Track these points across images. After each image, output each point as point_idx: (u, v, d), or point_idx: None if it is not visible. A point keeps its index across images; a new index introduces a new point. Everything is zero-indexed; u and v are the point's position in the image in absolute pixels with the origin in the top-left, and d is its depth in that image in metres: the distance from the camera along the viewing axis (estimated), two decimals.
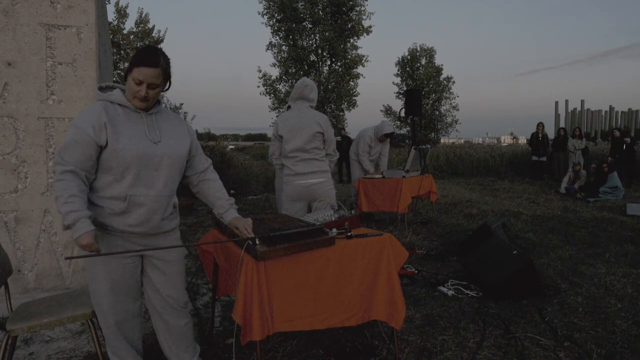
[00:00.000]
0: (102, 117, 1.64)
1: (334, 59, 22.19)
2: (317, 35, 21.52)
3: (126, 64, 16.57)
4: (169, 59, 1.73)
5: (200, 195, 1.98)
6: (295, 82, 3.43)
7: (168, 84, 1.76)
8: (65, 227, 1.54)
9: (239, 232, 1.83)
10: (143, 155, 1.68)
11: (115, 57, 15.20)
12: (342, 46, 21.53)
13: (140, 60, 1.64)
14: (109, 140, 1.63)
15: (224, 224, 1.97)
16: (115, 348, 1.82)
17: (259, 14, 22.05)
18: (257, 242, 1.74)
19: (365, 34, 21.72)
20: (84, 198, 1.59)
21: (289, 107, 3.26)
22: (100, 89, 1.75)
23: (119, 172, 1.67)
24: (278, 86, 22.27)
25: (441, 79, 27.28)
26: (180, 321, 1.93)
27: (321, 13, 21.19)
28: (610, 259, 3.97)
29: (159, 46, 1.78)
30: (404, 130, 27.00)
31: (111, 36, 14.30)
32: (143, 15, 17.46)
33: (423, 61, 27.86)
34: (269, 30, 24.59)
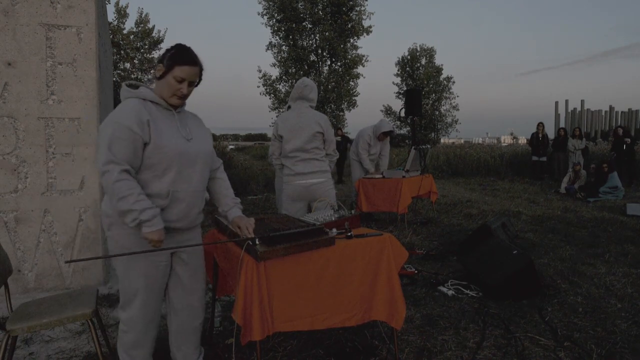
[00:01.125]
0: (144, 113, 1.66)
1: (334, 59, 22.19)
2: (317, 35, 21.52)
3: (126, 64, 16.57)
4: None
5: (209, 192, 2.01)
6: (295, 82, 3.43)
7: (199, 79, 1.81)
8: (138, 223, 1.59)
9: (240, 231, 1.84)
10: (183, 152, 1.72)
11: (115, 57, 15.19)
12: (342, 46, 21.52)
13: (182, 59, 1.69)
14: (152, 137, 1.65)
15: (224, 224, 1.97)
16: (130, 347, 1.82)
17: (258, 14, 22.05)
18: (257, 242, 1.74)
19: (365, 34, 21.71)
20: (146, 196, 1.65)
21: (289, 107, 3.26)
22: (128, 86, 1.76)
23: (161, 169, 1.69)
24: (278, 86, 22.26)
25: (441, 79, 27.29)
26: (196, 321, 1.97)
27: (321, 13, 21.18)
28: (610, 259, 3.97)
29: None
30: (404, 130, 27.01)
31: (111, 36, 14.30)
32: (143, 15, 17.46)
33: (423, 61, 27.87)
34: (268, 30, 24.61)
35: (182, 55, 1.70)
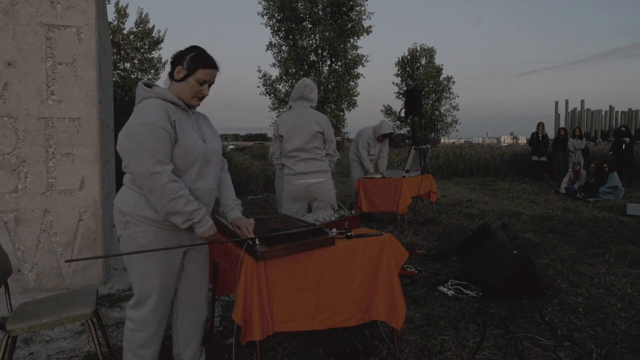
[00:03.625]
0: (170, 113, 1.67)
1: (334, 59, 22.20)
2: (317, 35, 21.52)
3: (126, 64, 16.57)
4: None
5: None
6: (296, 82, 3.44)
7: None
8: (191, 224, 1.67)
9: (239, 231, 1.85)
10: (203, 152, 1.75)
11: (115, 57, 15.19)
12: (342, 46, 21.53)
13: (206, 62, 1.74)
14: (178, 136, 1.68)
15: (224, 224, 1.97)
16: (139, 346, 1.82)
17: (258, 14, 22.06)
18: (257, 242, 1.74)
19: (365, 34, 21.73)
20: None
21: (290, 108, 3.27)
22: (145, 84, 1.77)
23: (183, 168, 1.71)
24: (278, 86, 22.28)
25: (441, 79, 27.30)
26: (201, 317, 2.00)
27: (321, 13, 21.19)
28: (610, 259, 3.97)
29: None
30: (404, 130, 27.01)
31: (111, 36, 14.30)
32: (143, 15, 17.45)
33: (423, 61, 27.88)
34: (268, 30, 24.61)
35: (206, 59, 1.75)
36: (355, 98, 22.44)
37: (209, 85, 1.80)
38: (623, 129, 10.34)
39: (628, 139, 9.93)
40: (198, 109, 1.92)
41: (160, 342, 1.89)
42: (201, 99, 1.80)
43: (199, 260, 1.95)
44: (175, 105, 1.75)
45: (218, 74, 1.81)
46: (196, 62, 1.72)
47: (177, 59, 1.76)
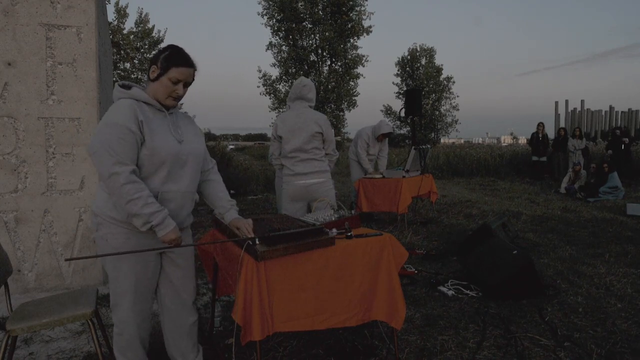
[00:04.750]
0: (138, 114, 1.65)
1: (334, 59, 22.20)
2: (317, 35, 21.53)
3: (126, 64, 16.57)
4: None
5: (203, 194, 2.00)
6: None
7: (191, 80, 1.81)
8: (150, 227, 1.61)
9: (239, 232, 1.84)
10: (174, 153, 1.71)
11: (115, 57, 15.19)
12: (342, 46, 21.54)
13: (178, 61, 1.69)
14: (145, 138, 1.65)
15: (224, 224, 1.97)
16: (125, 348, 1.83)
17: (258, 14, 22.06)
18: (257, 242, 1.74)
19: (365, 34, 21.73)
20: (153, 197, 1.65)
21: (289, 108, 3.26)
22: (121, 86, 1.75)
23: (152, 170, 1.68)
24: (278, 86, 22.28)
25: (441, 79, 27.33)
26: (189, 319, 1.96)
27: (321, 13, 21.19)
28: (610, 259, 3.97)
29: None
30: (404, 130, 27.04)
31: (111, 36, 14.30)
32: (143, 15, 17.47)
33: (423, 61, 27.91)
34: (268, 30, 24.61)
35: (179, 57, 1.69)
36: (355, 98, 22.45)
37: (185, 85, 1.74)
38: (618, 131, 10.32)
39: (627, 139, 9.93)
40: (189, 108, 1.90)
41: (145, 343, 1.87)
42: (176, 98, 1.74)
43: (180, 264, 1.89)
44: (149, 106, 1.72)
45: (200, 72, 1.77)
46: (169, 61, 1.68)
47: (153, 58, 1.73)
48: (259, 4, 21.66)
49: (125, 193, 1.56)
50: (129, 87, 1.75)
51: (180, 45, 1.77)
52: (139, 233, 1.70)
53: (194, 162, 1.81)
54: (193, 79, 1.78)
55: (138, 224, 1.61)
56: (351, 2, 21.09)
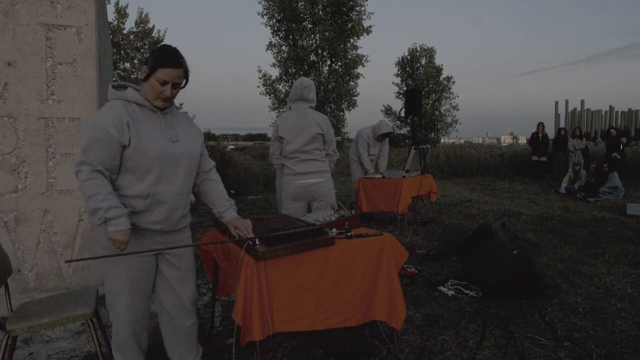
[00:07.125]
0: (124, 116, 1.64)
1: (334, 59, 22.19)
2: (317, 35, 21.52)
3: (126, 64, 16.56)
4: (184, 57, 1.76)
5: (202, 194, 2.00)
6: None
7: (185, 81, 1.78)
8: (102, 221, 1.57)
9: (236, 231, 1.84)
10: (165, 154, 1.70)
11: (115, 57, 15.19)
12: (342, 46, 21.52)
13: (164, 61, 1.66)
14: (132, 139, 1.64)
15: (224, 224, 1.97)
16: (123, 347, 1.83)
17: (258, 14, 22.06)
18: (257, 242, 1.74)
19: (365, 34, 21.71)
20: (117, 196, 1.63)
21: (289, 109, 3.26)
22: (115, 87, 1.75)
23: (142, 171, 1.68)
24: (278, 86, 22.26)
25: (441, 79, 27.31)
26: (188, 321, 1.95)
27: (321, 13, 21.18)
28: (610, 259, 3.97)
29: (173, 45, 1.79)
30: (404, 130, 27.03)
31: (111, 36, 14.30)
32: (143, 15, 17.46)
33: (423, 61, 27.90)
34: (268, 30, 24.61)
35: (166, 58, 1.67)
36: (355, 98, 22.43)
37: (175, 86, 1.71)
38: (613, 131, 10.30)
39: (625, 139, 9.93)
40: (189, 108, 1.90)
41: (141, 343, 1.87)
42: (165, 100, 1.71)
43: (178, 266, 1.88)
44: (141, 107, 1.72)
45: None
46: (156, 61, 1.66)
47: (146, 59, 1.73)
48: (259, 4, 21.66)
49: (85, 189, 1.58)
50: (124, 88, 1.75)
51: (180, 46, 1.75)
52: (134, 233, 1.70)
53: (187, 162, 1.80)
54: (184, 80, 1.74)
55: (95, 218, 1.58)
56: (351, 2, 21.07)
